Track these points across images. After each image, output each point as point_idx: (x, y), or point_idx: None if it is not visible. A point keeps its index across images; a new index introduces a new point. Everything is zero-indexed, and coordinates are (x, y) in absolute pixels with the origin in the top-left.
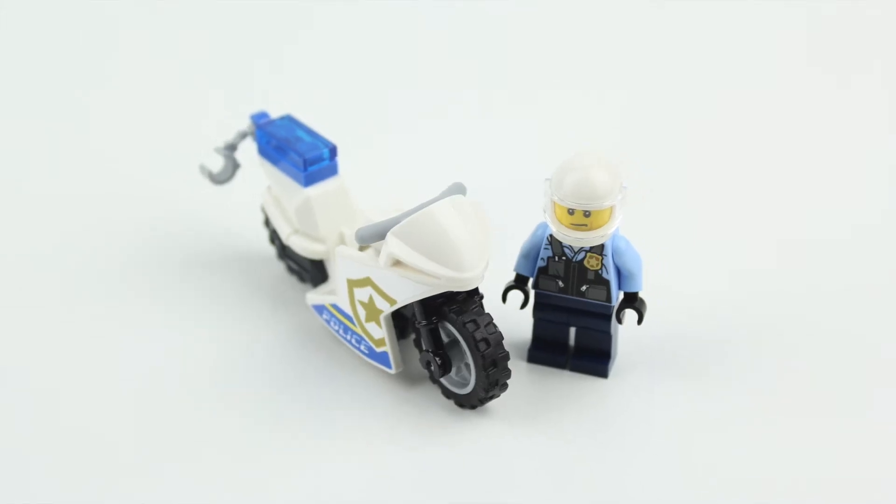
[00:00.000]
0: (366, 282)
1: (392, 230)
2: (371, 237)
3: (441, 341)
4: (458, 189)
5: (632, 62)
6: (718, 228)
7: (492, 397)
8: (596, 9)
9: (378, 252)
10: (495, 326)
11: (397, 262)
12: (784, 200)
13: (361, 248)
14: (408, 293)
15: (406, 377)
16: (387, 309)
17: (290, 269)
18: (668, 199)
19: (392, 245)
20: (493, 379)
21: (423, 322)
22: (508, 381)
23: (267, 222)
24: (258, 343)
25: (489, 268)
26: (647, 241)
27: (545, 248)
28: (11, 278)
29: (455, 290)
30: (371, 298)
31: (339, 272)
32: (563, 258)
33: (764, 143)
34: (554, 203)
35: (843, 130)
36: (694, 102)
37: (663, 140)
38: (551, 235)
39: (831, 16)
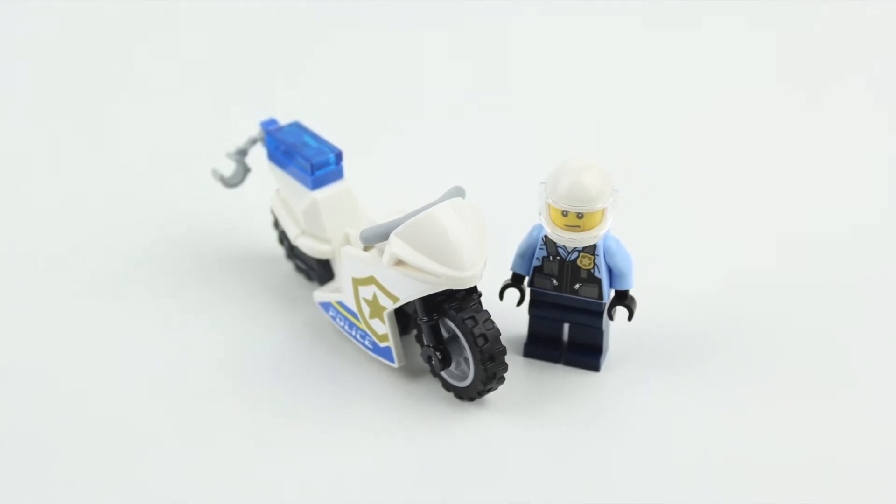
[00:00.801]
0: (370, 280)
1: (395, 231)
2: (375, 238)
3: (441, 337)
4: (458, 192)
5: (631, 63)
6: (717, 228)
7: (489, 390)
8: (594, 12)
9: (382, 252)
10: (493, 322)
11: (400, 262)
12: (784, 200)
13: (366, 249)
14: (410, 291)
15: (408, 371)
16: (390, 306)
17: (298, 269)
18: (667, 199)
19: (395, 245)
20: (490, 372)
21: (425, 318)
22: (505, 375)
23: (276, 224)
24: (267, 338)
25: (487, 267)
26: (647, 240)
27: (540, 248)
28: (20, 278)
29: (455, 288)
30: (375, 296)
31: (344, 271)
32: (558, 258)
33: (763, 142)
34: (548, 205)
35: (843, 130)
36: (693, 103)
37: (663, 140)
38: (546, 236)
39: (830, 16)
